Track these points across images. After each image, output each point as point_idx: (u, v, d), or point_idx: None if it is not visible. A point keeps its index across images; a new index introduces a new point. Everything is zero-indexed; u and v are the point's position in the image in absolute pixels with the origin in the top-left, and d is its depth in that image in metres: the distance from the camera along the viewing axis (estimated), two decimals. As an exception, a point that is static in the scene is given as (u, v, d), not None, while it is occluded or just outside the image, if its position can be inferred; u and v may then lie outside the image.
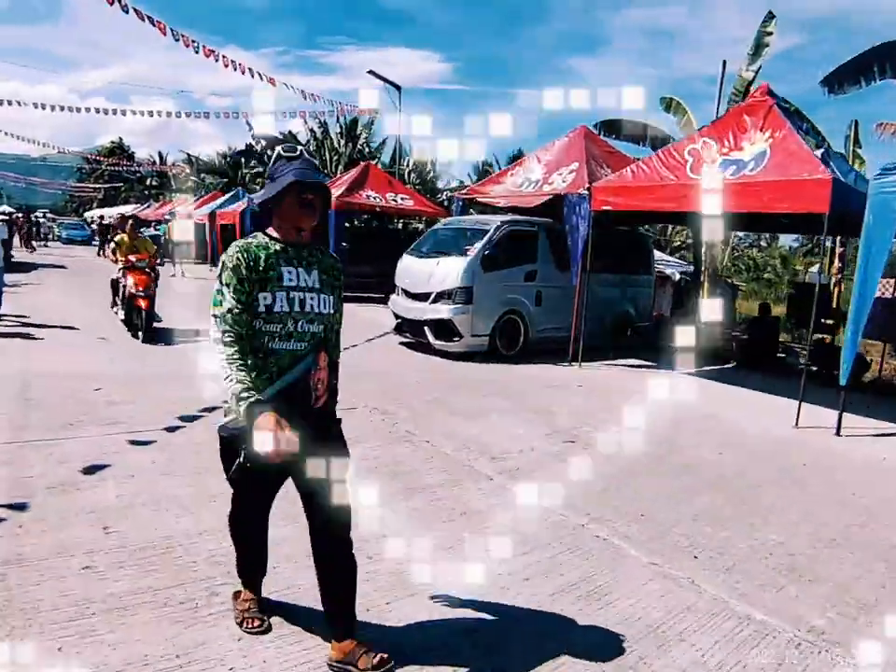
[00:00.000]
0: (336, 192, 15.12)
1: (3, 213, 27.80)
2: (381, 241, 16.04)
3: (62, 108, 18.98)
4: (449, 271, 8.52)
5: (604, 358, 9.26)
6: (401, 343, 9.57)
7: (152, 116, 17.77)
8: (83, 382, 5.87)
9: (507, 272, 8.85)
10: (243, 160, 43.33)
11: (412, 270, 9.22)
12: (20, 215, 33.70)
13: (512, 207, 10.25)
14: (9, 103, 20.90)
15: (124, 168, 52.43)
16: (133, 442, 4.36)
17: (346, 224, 16.40)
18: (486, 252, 8.61)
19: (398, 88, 19.13)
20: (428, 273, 8.77)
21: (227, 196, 25.13)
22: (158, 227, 31.86)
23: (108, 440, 4.38)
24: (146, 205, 42.46)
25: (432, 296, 8.63)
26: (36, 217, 37.71)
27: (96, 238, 36.04)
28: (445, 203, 21.70)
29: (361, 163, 17.87)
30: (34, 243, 30.33)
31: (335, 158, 32.08)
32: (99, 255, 28.45)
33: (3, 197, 58.28)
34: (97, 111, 19.33)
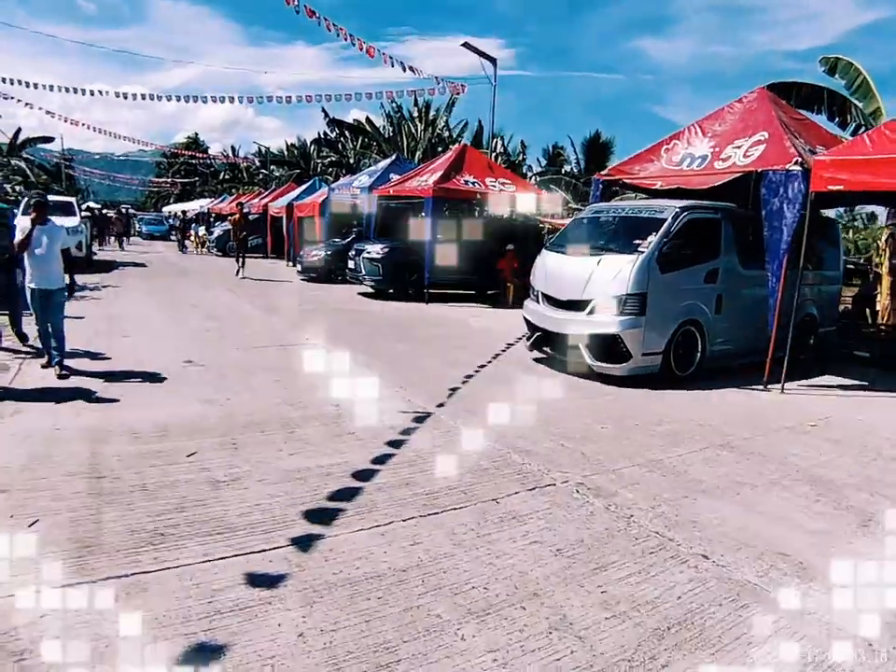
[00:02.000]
0: (431, 178, 13.39)
1: (87, 210, 26.64)
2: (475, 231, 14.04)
3: (152, 97, 18.48)
4: (617, 272, 6.55)
5: (794, 377, 7.11)
6: (535, 360, 7.77)
7: (232, 101, 16.57)
8: (170, 440, 4.33)
9: (686, 272, 6.85)
10: (314, 149, 42.39)
11: (561, 270, 7.27)
12: (112, 213, 33.29)
13: (674, 190, 8.17)
14: (100, 93, 20.63)
15: (199, 162, 52.62)
16: (254, 581, 2.71)
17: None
18: (664, 247, 6.63)
19: (493, 60, 17.14)
20: (584, 276, 6.83)
21: (303, 187, 23.64)
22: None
23: (215, 573, 2.75)
24: (220, 199, 42.18)
25: (591, 304, 6.74)
26: (127, 213, 37.53)
27: (174, 233, 35.72)
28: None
29: (457, 145, 16.00)
30: (123, 240, 29.87)
31: (412, 144, 30.44)
32: (181, 251, 27.83)
33: (90, 194, 59.80)
34: (176, 98, 18.54)
